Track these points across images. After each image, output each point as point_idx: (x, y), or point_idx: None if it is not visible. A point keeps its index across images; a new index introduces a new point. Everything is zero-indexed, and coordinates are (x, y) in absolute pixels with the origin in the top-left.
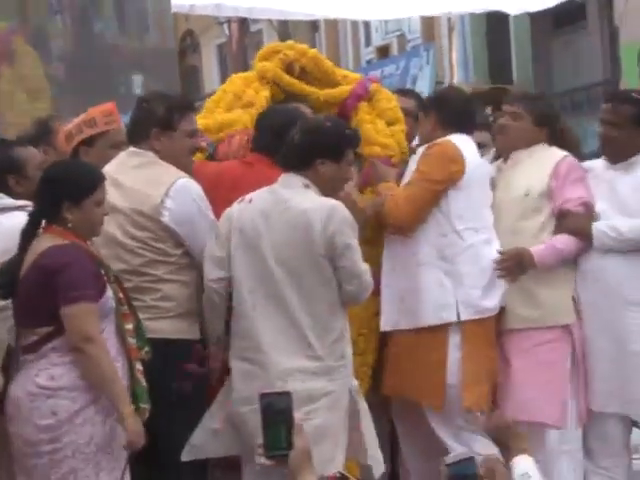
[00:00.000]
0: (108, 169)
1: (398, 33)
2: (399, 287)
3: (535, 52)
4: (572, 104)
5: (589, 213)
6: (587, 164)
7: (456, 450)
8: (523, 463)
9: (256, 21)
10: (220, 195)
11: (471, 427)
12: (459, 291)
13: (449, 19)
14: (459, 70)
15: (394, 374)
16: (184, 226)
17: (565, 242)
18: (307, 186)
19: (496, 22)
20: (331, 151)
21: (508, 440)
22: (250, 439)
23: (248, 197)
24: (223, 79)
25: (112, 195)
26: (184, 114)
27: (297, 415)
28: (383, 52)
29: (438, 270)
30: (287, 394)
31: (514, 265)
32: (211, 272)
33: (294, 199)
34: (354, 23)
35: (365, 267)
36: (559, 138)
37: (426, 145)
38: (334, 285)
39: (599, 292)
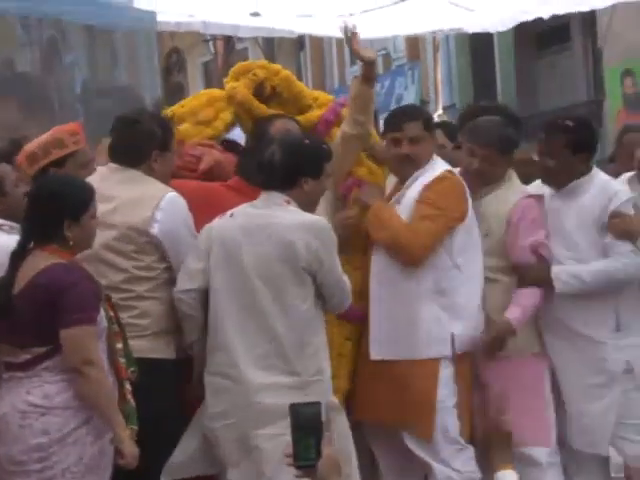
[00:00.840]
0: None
1: (383, 52)
2: (393, 317)
3: (519, 72)
4: None
5: (544, 260)
6: (537, 185)
7: (436, 468)
8: (508, 478)
9: (242, 39)
10: (208, 217)
11: (452, 447)
12: (456, 325)
13: (434, 38)
14: (444, 90)
15: (374, 402)
16: (171, 239)
17: (531, 297)
18: (288, 202)
19: (480, 42)
20: (313, 169)
21: (498, 449)
22: (224, 454)
23: (229, 212)
24: None
25: (100, 210)
26: (173, 133)
27: (268, 431)
28: None
29: (436, 303)
30: (317, 404)
31: (498, 345)
32: (181, 283)
33: (276, 214)
34: (339, 42)
35: (346, 277)
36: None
37: (433, 177)
38: (312, 299)
39: (557, 327)
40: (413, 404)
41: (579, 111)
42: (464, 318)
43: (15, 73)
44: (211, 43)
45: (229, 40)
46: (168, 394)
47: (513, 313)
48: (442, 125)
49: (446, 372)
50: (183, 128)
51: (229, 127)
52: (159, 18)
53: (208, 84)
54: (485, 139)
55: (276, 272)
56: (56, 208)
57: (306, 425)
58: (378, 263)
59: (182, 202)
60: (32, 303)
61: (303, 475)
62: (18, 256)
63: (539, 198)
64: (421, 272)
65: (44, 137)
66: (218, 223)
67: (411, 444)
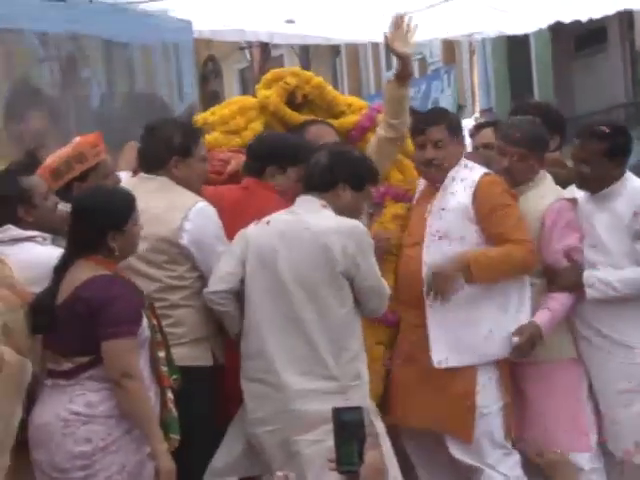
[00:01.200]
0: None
1: (419, 56)
2: (452, 323)
3: (556, 75)
4: None
5: (576, 264)
6: (572, 189)
7: (483, 472)
8: None
9: (277, 46)
10: (222, 220)
11: (498, 452)
12: (512, 325)
13: (470, 42)
14: (480, 93)
15: (414, 406)
16: (201, 249)
17: (562, 302)
18: (325, 206)
19: (517, 45)
20: (355, 179)
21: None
22: (268, 459)
23: (265, 219)
24: None
25: None
26: (197, 140)
27: (310, 437)
28: None
29: (494, 304)
30: (359, 409)
31: (527, 349)
32: (211, 285)
33: (313, 219)
34: (375, 47)
35: (384, 282)
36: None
37: (478, 182)
38: (350, 304)
39: (589, 331)
40: (453, 407)
41: (617, 113)
42: (517, 324)
43: (32, 89)
44: (247, 50)
45: (265, 47)
46: (207, 400)
47: (542, 317)
48: (493, 124)
49: (487, 375)
50: (212, 137)
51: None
52: (194, 27)
53: (244, 91)
54: (515, 137)
55: (313, 277)
56: (100, 220)
57: (349, 430)
58: (430, 270)
59: (211, 211)
60: (74, 315)
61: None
62: (62, 267)
63: (573, 201)
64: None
65: (65, 151)
66: (254, 230)
67: (455, 450)
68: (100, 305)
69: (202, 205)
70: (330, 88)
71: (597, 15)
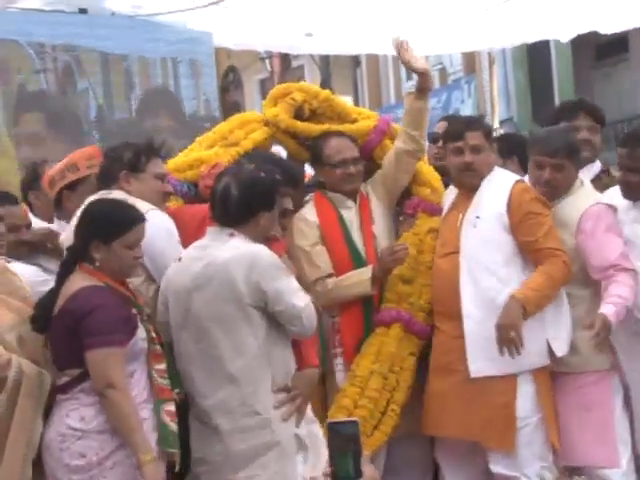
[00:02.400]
0: (79, 212)
1: (439, 66)
2: (489, 333)
3: (577, 84)
4: (615, 136)
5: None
6: (610, 195)
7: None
8: None
9: (298, 56)
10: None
11: (537, 464)
12: (549, 332)
13: (489, 52)
14: (501, 103)
15: (452, 417)
16: (153, 259)
17: (628, 296)
18: (232, 235)
19: (538, 54)
20: (267, 202)
21: None
22: None
23: (180, 256)
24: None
25: None
26: (151, 157)
27: (243, 475)
28: None
29: (537, 319)
30: (354, 422)
31: (605, 334)
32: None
33: (215, 252)
34: (395, 58)
35: (303, 304)
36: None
37: (511, 189)
38: (263, 334)
39: (633, 336)
40: (493, 418)
41: (638, 123)
42: (558, 334)
43: (34, 91)
44: (267, 61)
45: (285, 58)
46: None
47: (607, 309)
48: (496, 140)
49: (526, 386)
50: (213, 151)
51: (259, 146)
52: (216, 39)
53: None
54: (552, 148)
55: (225, 312)
56: (87, 227)
57: (344, 443)
58: (468, 282)
59: (164, 219)
60: (63, 327)
61: None
62: (62, 274)
63: (610, 206)
64: (510, 285)
65: (63, 161)
66: (172, 269)
67: (493, 460)
68: (80, 315)
69: (155, 213)
70: (338, 99)
71: (619, 29)
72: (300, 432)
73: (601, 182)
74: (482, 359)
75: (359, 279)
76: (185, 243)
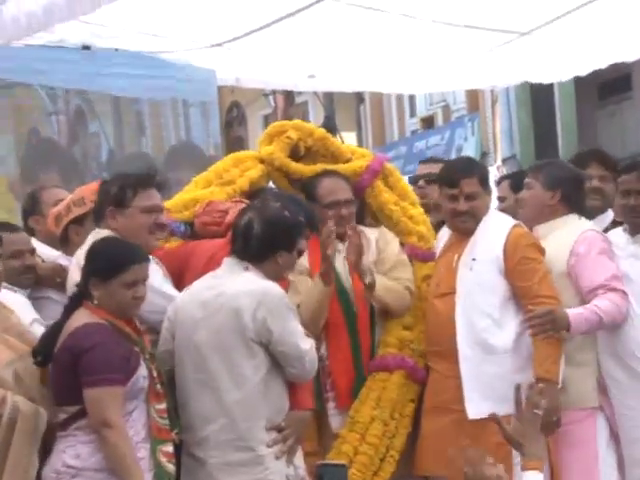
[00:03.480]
0: (78, 252)
1: (443, 104)
2: (485, 374)
3: (580, 123)
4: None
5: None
6: (608, 236)
7: None
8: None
9: (301, 93)
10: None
11: None
12: None
13: (492, 90)
14: (504, 140)
15: (447, 457)
16: None
17: (607, 310)
18: (247, 268)
19: (541, 93)
20: (288, 243)
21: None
22: None
23: (192, 284)
24: None
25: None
26: (137, 191)
27: None
28: (428, 122)
29: (523, 354)
30: (342, 466)
31: (547, 322)
32: (159, 345)
33: (227, 283)
34: (399, 95)
35: (307, 347)
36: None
37: (508, 234)
38: (264, 371)
39: (622, 371)
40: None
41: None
42: None
43: (43, 139)
44: (271, 97)
45: (289, 94)
46: None
47: (575, 311)
48: (508, 177)
49: None
50: (209, 191)
51: (255, 184)
52: (219, 75)
53: None
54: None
55: (228, 343)
56: (87, 265)
57: None
58: (463, 324)
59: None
60: (61, 363)
61: None
62: (68, 309)
63: (605, 235)
64: (505, 327)
65: (68, 197)
66: (181, 297)
67: None
68: (79, 352)
69: None
70: (333, 139)
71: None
72: (289, 472)
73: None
74: (479, 400)
75: (314, 282)
76: (193, 277)
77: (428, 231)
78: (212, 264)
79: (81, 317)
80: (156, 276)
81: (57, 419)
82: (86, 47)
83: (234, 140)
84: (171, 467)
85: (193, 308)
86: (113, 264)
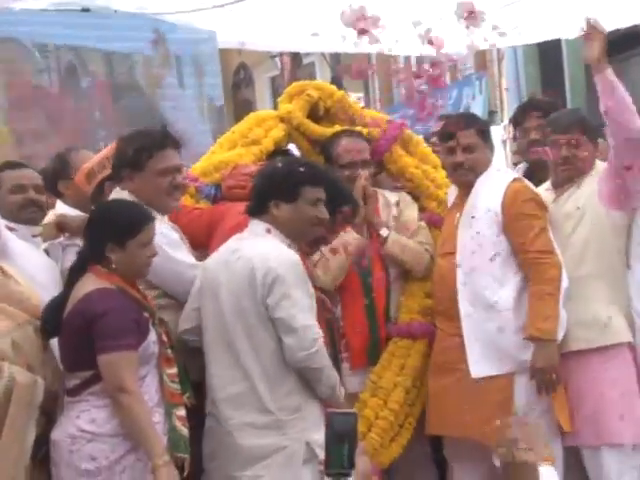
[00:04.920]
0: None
1: (450, 63)
2: (488, 331)
3: (589, 79)
4: None
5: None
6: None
7: None
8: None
9: (308, 54)
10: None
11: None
12: None
13: (498, 49)
14: (511, 99)
15: (453, 417)
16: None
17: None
18: (269, 231)
19: (549, 50)
20: (283, 192)
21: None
22: None
23: (219, 248)
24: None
25: None
26: (152, 153)
27: (249, 473)
28: (435, 82)
29: (524, 311)
30: (353, 414)
31: (540, 365)
32: (180, 324)
33: (247, 247)
34: (406, 56)
35: (306, 323)
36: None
37: (506, 188)
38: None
39: None
40: (491, 415)
41: None
42: None
43: (36, 87)
44: (278, 59)
45: (296, 55)
46: None
47: None
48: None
49: (524, 381)
50: (237, 152)
51: (279, 143)
52: (223, 37)
53: (276, 99)
54: (565, 124)
55: (245, 306)
56: (99, 229)
57: (341, 433)
58: (464, 282)
59: (159, 227)
60: (73, 329)
61: None
62: (72, 277)
63: None
64: (506, 284)
65: (101, 153)
66: (210, 259)
67: (496, 457)
68: (92, 318)
69: None
70: (352, 102)
71: (628, 24)
72: (313, 439)
73: None
74: (482, 359)
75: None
76: (220, 240)
77: (445, 198)
78: (239, 228)
79: (89, 283)
80: (180, 247)
81: (67, 385)
82: (85, 9)
83: (242, 102)
84: (185, 431)
85: (218, 267)
86: (130, 226)
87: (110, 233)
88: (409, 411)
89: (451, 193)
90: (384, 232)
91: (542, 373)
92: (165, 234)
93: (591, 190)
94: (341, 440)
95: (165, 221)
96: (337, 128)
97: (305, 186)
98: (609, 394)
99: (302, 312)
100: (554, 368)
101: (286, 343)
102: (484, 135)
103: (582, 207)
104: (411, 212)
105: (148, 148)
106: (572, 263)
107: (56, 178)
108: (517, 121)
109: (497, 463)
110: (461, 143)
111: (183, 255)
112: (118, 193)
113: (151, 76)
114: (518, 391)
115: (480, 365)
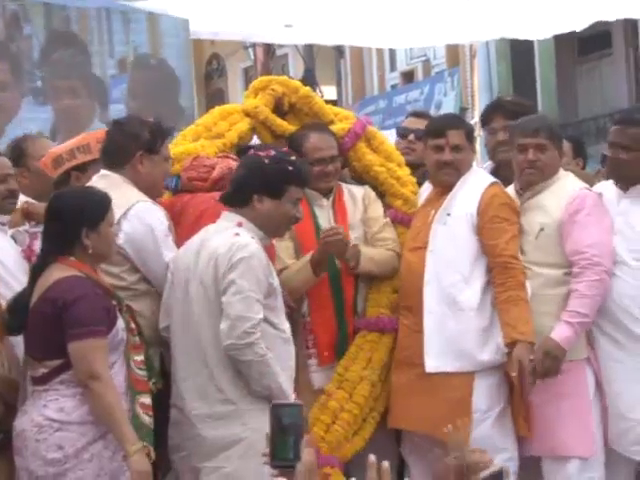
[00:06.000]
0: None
1: (423, 58)
2: (446, 329)
3: (560, 78)
4: (597, 130)
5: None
6: (600, 188)
7: None
8: None
9: (281, 45)
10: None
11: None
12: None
13: (471, 45)
14: (483, 96)
15: (413, 411)
16: (138, 250)
17: (588, 307)
18: (240, 224)
19: (521, 48)
20: (269, 188)
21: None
22: None
23: (192, 238)
24: None
25: None
26: (165, 139)
27: (211, 464)
28: (408, 77)
29: (487, 313)
30: (298, 406)
31: (549, 364)
32: (160, 320)
33: (216, 237)
34: (379, 49)
35: (243, 314)
36: None
37: (484, 191)
38: None
39: (611, 324)
40: (449, 413)
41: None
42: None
43: None
44: (251, 49)
45: (269, 46)
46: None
47: (560, 333)
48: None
49: (482, 381)
50: (200, 144)
51: (243, 137)
52: (196, 27)
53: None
54: (532, 128)
55: (210, 296)
56: (74, 218)
57: (286, 424)
58: (432, 279)
59: (154, 212)
60: (42, 317)
61: (279, 475)
62: (37, 269)
63: (598, 194)
64: (472, 284)
65: (72, 141)
66: (181, 250)
67: (450, 457)
68: (62, 305)
69: (143, 205)
70: (317, 98)
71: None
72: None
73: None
74: (439, 355)
75: (302, 263)
76: (184, 231)
77: (413, 194)
78: (204, 219)
79: (57, 272)
80: (167, 238)
81: (35, 374)
82: None
83: (214, 92)
84: (147, 419)
85: (188, 259)
86: (100, 208)
87: (85, 219)
88: (374, 405)
89: (424, 190)
90: (354, 263)
91: (530, 374)
92: (162, 222)
93: (556, 205)
94: (286, 432)
95: (161, 208)
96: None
97: (292, 186)
98: (564, 408)
99: (243, 302)
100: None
101: (221, 328)
102: (470, 137)
103: (545, 227)
104: (377, 207)
105: (162, 133)
106: (528, 274)
107: (12, 166)
108: (485, 121)
109: (450, 461)
110: (451, 142)
111: (167, 249)
112: (104, 177)
113: (86, 28)
114: (477, 392)
115: (436, 361)
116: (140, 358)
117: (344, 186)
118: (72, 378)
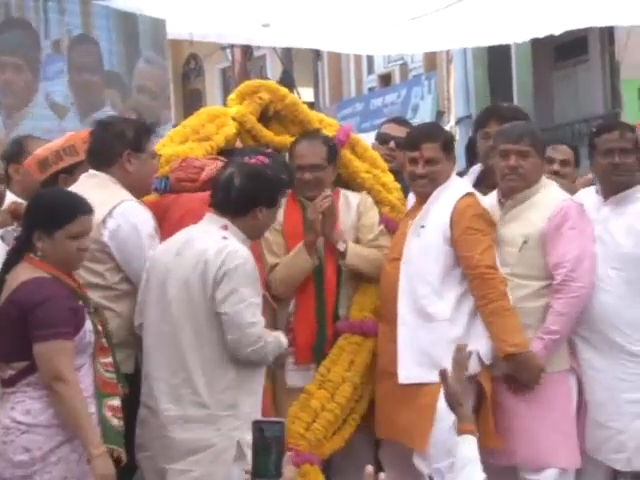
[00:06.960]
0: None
1: (400, 62)
2: (422, 340)
3: (536, 84)
4: (572, 136)
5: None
6: (580, 196)
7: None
8: (467, 444)
9: (260, 47)
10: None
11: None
12: (479, 342)
13: (447, 50)
14: (459, 100)
15: (388, 420)
16: (122, 249)
17: (560, 326)
18: (225, 227)
19: (498, 53)
20: (269, 199)
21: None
22: None
23: (170, 237)
24: (226, 103)
25: None
26: (149, 136)
27: (178, 467)
28: (385, 80)
29: (462, 323)
30: (280, 423)
31: (526, 377)
32: (135, 318)
33: (201, 238)
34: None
35: (252, 320)
36: None
37: (457, 202)
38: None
39: (597, 341)
40: (415, 420)
41: (595, 124)
42: (485, 336)
43: None
44: (229, 50)
45: (247, 48)
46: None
47: (537, 347)
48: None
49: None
50: (188, 146)
51: (230, 141)
52: (172, 27)
53: (226, 90)
54: (515, 134)
55: (194, 298)
56: (30, 217)
57: (268, 441)
58: (405, 290)
59: (139, 212)
60: (9, 319)
61: None
62: (7, 266)
63: (580, 204)
64: (447, 295)
65: (56, 143)
66: (159, 249)
67: (415, 458)
68: (29, 307)
69: (129, 204)
70: (303, 106)
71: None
72: (245, 439)
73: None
74: (411, 367)
75: (298, 250)
76: (168, 231)
77: (399, 200)
78: (188, 218)
79: (24, 272)
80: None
81: (2, 376)
82: None
83: (191, 92)
84: (116, 421)
85: (167, 258)
86: (59, 215)
87: (39, 221)
88: (355, 407)
89: (411, 198)
90: (341, 246)
91: (532, 382)
92: (148, 222)
93: (539, 217)
94: (268, 448)
95: (147, 210)
96: (288, 139)
97: (283, 194)
98: (547, 418)
99: (249, 309)
100: (539, 370)
101: (231, 338)
102: (448, 148)
103: (529, 240)
104: (373, 215)
105: (147, 132)
106: (510, 285)
107: (9, 161)
108: (479, 124)
109: (415, 462)
110: (425, 155)
111: (152, 250)
112: (93, 176)
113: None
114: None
115: (408, 372)
116: (108, 360)
117: (342, 192)
118: (39, 380)
